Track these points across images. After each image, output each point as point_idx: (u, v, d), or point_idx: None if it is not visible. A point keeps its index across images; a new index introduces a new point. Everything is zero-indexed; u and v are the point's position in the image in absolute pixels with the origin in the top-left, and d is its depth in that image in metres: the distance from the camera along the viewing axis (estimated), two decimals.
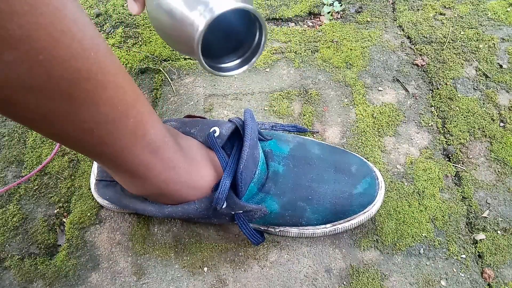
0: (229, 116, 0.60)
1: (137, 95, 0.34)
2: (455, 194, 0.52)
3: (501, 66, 0.63)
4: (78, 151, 0.37)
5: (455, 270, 0.47)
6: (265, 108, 0.60)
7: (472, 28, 0.68)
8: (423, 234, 0.49)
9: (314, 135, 0.57)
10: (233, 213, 0.43)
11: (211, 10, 0.32)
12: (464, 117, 0.58)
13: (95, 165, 0.51)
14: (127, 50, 0.67)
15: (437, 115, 0.59)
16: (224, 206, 0.42)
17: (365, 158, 0.53)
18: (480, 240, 0.49)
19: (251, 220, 0.45)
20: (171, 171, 0.40)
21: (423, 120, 0.58)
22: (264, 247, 0.49)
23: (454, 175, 0.54)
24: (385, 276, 0.47)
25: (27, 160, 0.56)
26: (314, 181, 0.46)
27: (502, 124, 0.57)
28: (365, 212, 0.47)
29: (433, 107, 0.60)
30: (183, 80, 0.64)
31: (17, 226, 0.51)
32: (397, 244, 0.49)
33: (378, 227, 0.50)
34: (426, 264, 0.48)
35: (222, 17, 0.32)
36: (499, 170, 0.54)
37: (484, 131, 0.57)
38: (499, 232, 0.49)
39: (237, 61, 0.38)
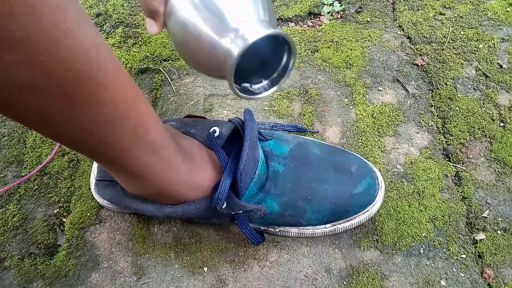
0: (229, 116, 0.60)
1: (138, 96, 0.34)
2: (455, 194, 0.52)
3: (501, 66, 0.63)
4: (79, 152, 0.37)
5: (455, 270, 0.47)
6: (265, 108, 0.60)
7: (472, 28, 0.68)
8: (423, 234, 0.49)
9: (314, 135, 0.57)
10: (233, 213, 0.43)
11: (244, 38, 0.31)
12: (464, 117, 0.58)
13: (95, 165, 0.51)
14: (127, 50, 0.67)
15: (437, 115, 0.59)
16: (224, 206, 0.42)
17: (365, 158, 0.53)
18: (480, 240, 0.49)
19: (251, 220, 0.45)
20: (171, 171, 0.40)
21: (423, 120, 0.58)
22: (264, 247, 0.49)
23: (454, 175, 0.54)
24: (385, 276, 0.47)
25: (27, 160, 0.56)
26: (314, 181, 0.46)
27: (502, 124, 0.57)
28: (365, 212, 0.47)
29: (433, 107, 0.60)
30: (183, 80, 0.64)
31: (17, 226, 0.51)
32: (397, 244, 0.49)
33: (378, 227, 0.50)
34: (426, 264, 0.48)
35: (253, 43, 0.31)
36: (499, 170, 0.54)
37: (484, 131, 0.57)
38: (499, 232, 0.49)
39: (264, 82, 0.38)
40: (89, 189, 0.53)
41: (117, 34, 0.69)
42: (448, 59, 0.64)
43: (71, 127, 0.30)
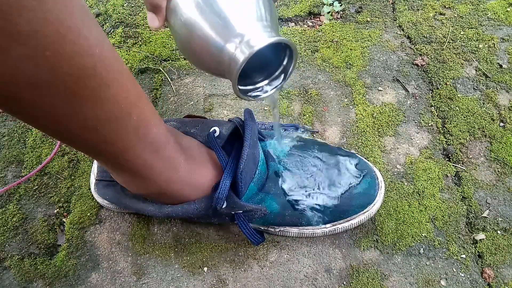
0: (229, 116, 0.60)
1: (140, 94, 0.34)
2: (455, 194, 0.52)
3: (501, 66, 0.63)
4: (80, 150, 0.37)
5: (455, 270, 0.47)
6: (265, 108, 0.60)
7: (472, 28, 0.68)
8: (423, 234, 0.49)
9: (314, 135, 0.57)
10: (233, 213, 0.43)
11: (250, 45, 0.31)
12: (464, 117, 0.58)
13: (95, 165, 0.51)
14: (127, 50, 0.67)
15: (437, 115, 0.59)
16: (224, 206, 0.42)
17: (365, 158, 0.53)
18: (480, 240, 0.49)
19: (251, 220, 0.45)
20: (171, 171, 0.40)
21: (423, 120, 0.58)
22: (264, 247, 0.49)
23: (454, 175, 0.54)
24: (385, 276, 0.47)
25: (27, 160, 0.56)
26: (314, 181, 0.46)
27: (502, 124, 0.57)
28: (365, 212, 0.47)
29: (433, 107, 0.60)
30: (183, 80, 0.64)
31: (17, 226, 0.51)
32: (397, 244, 0.49)
33: (378, 227, 0.50)
34: (426, 264, 0.48)
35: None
36: (499, 170, 0.54)
37: (484, 131, 0.57)
38: (499, 232, 0.49)
39: (265, 84, 0.38)
40: (89, 189, 0.53)
41: (117, 34, 0.69)
42: (448, 59, 0.64)
43: (75, 124, 0.30)
